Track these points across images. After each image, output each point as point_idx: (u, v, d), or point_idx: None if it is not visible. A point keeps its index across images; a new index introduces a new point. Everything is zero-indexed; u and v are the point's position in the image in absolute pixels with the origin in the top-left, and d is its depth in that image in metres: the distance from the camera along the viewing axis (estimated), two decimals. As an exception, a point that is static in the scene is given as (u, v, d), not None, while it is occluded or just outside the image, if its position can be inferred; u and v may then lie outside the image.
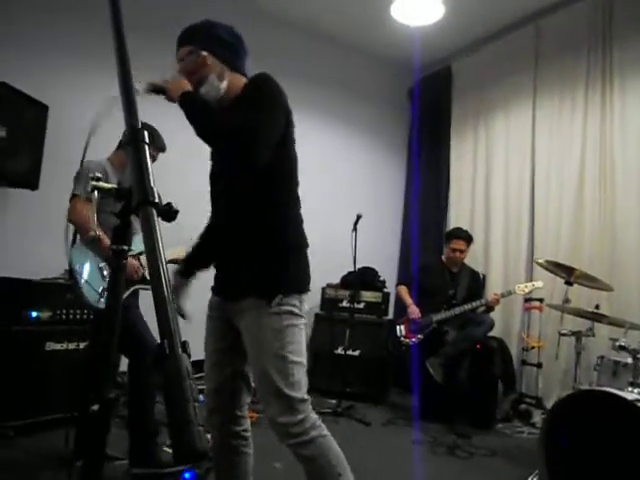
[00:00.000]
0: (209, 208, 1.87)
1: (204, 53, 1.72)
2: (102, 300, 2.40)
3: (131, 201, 0.70)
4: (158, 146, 2.76)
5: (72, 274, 2.44)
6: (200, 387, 4.09)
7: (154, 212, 0.66)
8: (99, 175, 0.81)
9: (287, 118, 1.69)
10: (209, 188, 1.86)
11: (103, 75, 4.03)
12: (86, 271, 2.44)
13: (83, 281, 2.40)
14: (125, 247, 0.75)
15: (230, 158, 1.70)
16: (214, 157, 1.85)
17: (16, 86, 3.40)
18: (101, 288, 2.42)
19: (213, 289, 1.82)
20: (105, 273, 2.46)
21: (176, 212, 0.71)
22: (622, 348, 2.64)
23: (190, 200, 2.16)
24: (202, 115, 1.62)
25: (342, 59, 5.61)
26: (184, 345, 0.57)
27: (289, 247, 1.71)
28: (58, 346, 3.13)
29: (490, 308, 4.02)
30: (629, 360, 2.63)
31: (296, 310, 1.64)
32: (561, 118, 4.48)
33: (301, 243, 1.75)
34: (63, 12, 4.10)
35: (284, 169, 1.73)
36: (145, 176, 0.69)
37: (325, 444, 1.61)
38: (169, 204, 0.70)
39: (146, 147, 0.73)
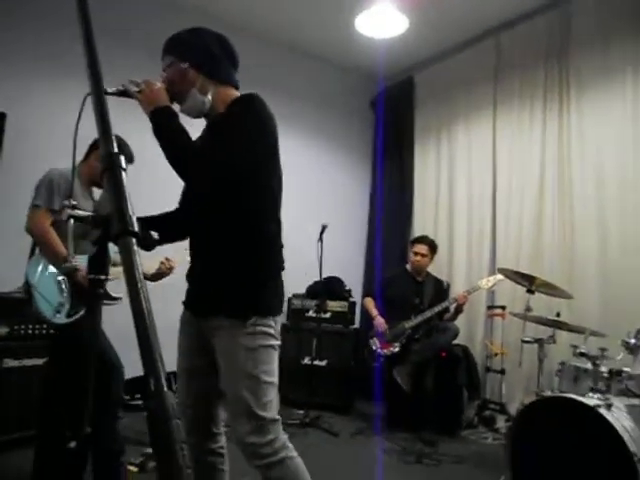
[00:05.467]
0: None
1: (184, 65, 1.66)
2: (58, 315, 2.32)
3: (109, 229, 0.68)
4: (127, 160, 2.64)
5: (27, 288, 2.35)
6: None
7: (134, 242, 0.65)
8: (75, 202, 0.79)
9: (268, 146, 1.67)
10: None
11: (61, 80, 3.96)
12: (42, 284, 2.35)
13: (39, 295, 2.32)
14: (103, 276, 0.73)
15: (195, 190, 1.69)
16: None
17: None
18: (57, 302, 2.34)
19: (185, 304, 1.78)
20: (63, 287, 2.37)
21: (156, 241, 0.69)
22: (582, 354, 2.71)
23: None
24: (169, 140, 1.56)
25: (307, 70, 5.63)
26: (169, 380, 0.55)
27: (267, 269, 1.70)
28: (16, 363, 3.02)
29: (459, 307, 4.08)
30: (589, 366, 2.70)
31: (271, 331, 1.64)
32: (521, 129, 4.60)
33: (279, 266, 1.74)
34: (18, 14, 3.98)
35: (263, 194, 1.69)
36: (124, 204, 0.67)
37: (293, 466, 1.60)
38: (149, 233, 0.69)
39: (123, 173, 0.72)
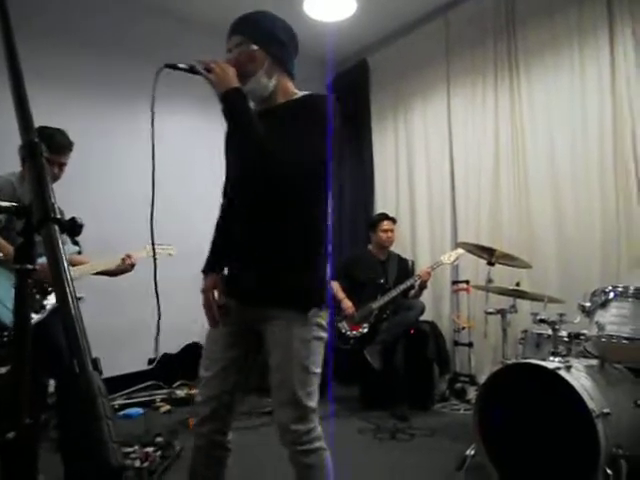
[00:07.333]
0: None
1: (254, 47, 1.66)
2: None
3: (31, 218, 0.67)
4: (57, 149, 2.49)
5: None
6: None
7: (56, 229, 0.64)
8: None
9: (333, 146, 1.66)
10: (225, 185, 1.85)
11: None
12: (-1, 292, 2.31)
13: (-4, 302, 2.27)
14: (30, 266, 0.72)
15: (258, 176, 1.62)
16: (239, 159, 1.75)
17: None
18: None
19: (228, 292, 1.76)
20: None
21: (81, 226, 0.69)
22: (542, 321, 2.79)
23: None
24: (242, 123, 1.55)
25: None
26: (95, 362, 0.55)
27: (323, 262, 1.71)
28: (-22, 373, 2.95)
29: (423, 284, 4.13)
30: (549, 332, 2.78)
31: (324, 323, 1.67)
32: (474, 105, 4.67)
33: (327, 259, 1.75)
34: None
35: (324, 190, 1.70)
36: (44, 191, 0.66)
37: (324, 456, 1.66)
38: (73, 219, 0.68)
39: (44, 161, 0.70)
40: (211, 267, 1.83)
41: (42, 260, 0.84)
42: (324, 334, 1.67)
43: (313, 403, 1.63)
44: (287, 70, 1.74)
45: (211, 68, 1.57)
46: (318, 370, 1.65)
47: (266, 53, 1.67)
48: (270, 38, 1.69)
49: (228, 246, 1.80)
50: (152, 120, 1.50)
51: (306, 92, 1.72)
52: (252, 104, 1.70)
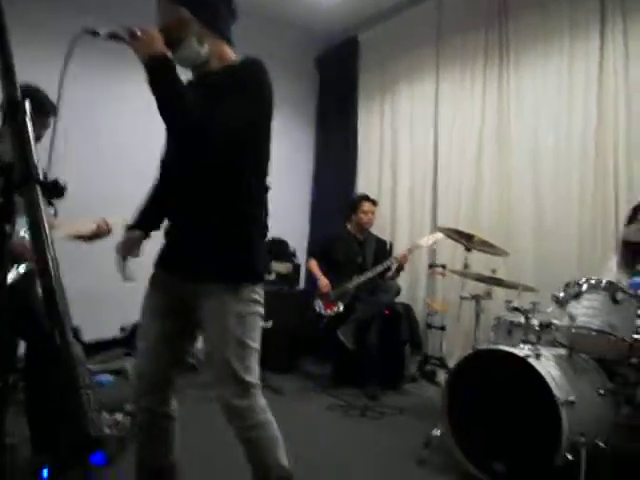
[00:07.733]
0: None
1: (184, 12, 1.57)
2: None
3: (12, 178, 0.65)
4: (45, 112, 2.40)
5: None
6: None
7: (38, 190, 0.62)
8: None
9: (269, 114, 1.63)
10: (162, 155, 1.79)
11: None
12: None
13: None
14: (7, 227, 0.69)
15: (189, 146, 1.59)
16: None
17: None
18: None
19: (163, 265, 1.74)
20: None
21: (64, 188, 0.66)
22: (516, 309, 2.83)
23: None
24: (167, 91, 1.47)
25: (248, 27, 5.43)
26: (75, 331, 0.54)
27: (257, 236, 1.69)
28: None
29: (400, 266, 4.17)
30: (522, 320, 2.82)
31: (258, 297, 1.65)
32: (462, 91, 4.65)
33: (265, 233, 1.75)
34: None
35: (258, 159, 1.68)
36: (27, 152, 0.63)
37: (270, 429, 1.64)
38: (56, 180, 0.66)
39: (28, 120, 0.68)
40: (138, 225, 1.83)
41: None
42: (260, 309, 1.66)
43: (252, 378, 1.61)
44: (222, 35, 1.67)
45: (136, 35, 1.48)
46: (256, 345, 1.64)
47: (196, 17, 1.59)
48: (200, 1, 1.61)
49: (158, 214, 1.80)
50: (60, 87, 1.40)
51: (243, 57, 1.66)
52: (188, 71, 1.67)
